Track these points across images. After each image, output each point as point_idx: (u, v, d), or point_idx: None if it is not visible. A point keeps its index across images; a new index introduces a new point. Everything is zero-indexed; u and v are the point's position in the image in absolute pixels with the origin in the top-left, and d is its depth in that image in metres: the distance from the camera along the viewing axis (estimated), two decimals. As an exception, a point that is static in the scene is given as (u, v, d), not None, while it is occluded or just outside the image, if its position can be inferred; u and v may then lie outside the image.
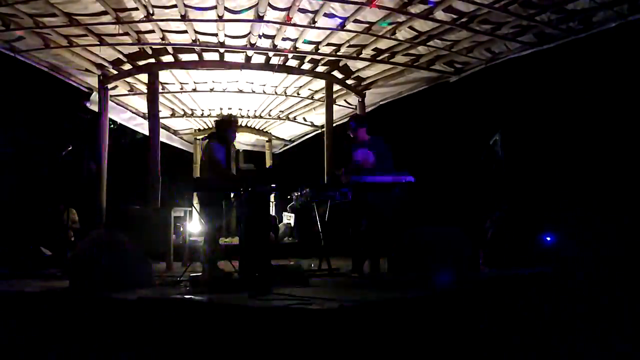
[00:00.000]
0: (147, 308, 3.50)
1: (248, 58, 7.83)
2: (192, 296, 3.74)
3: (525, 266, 5.27)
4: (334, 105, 8.92)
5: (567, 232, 6.24)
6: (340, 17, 6.62)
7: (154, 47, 7.41)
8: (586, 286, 4.54)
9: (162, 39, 7.08)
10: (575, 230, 6.40)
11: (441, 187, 8.59)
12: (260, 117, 10.49)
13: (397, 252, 4.50)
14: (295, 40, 7.26)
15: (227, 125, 5.59)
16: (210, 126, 10.92)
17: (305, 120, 10.81)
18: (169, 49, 7.43)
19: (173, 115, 10.20)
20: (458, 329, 3.45)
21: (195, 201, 6.30)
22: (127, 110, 9.76)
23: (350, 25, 6.81)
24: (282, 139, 12.20)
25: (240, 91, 9.13)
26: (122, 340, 3.39)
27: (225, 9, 6.30)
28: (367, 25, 6.86)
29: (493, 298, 3.96)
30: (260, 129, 11.19)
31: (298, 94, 9.37)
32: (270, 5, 6.25)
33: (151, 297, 3.73)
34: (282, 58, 7.91)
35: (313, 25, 6.73)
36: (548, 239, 6.06)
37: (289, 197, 10.02)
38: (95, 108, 8.52)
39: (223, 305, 3.40)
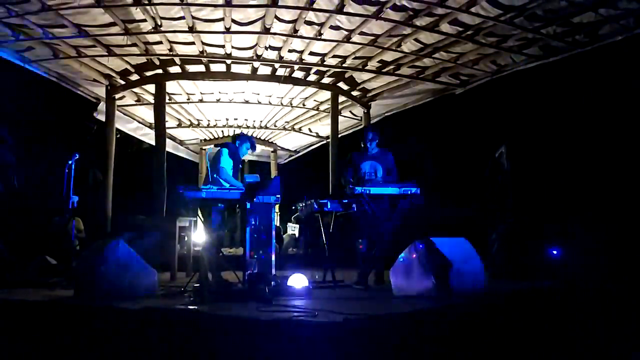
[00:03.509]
0: (151, 318, 3.49)
1: (254, 69, 7.88)
2: (196, 307, 3.73)
3: (531, 279, 5.22)
4: (339, 117, 8.95)
5: (573, 245, 6.20)
6: (347, 30, 6.66)
7: (161, 58, 7.48)
8: (592, 299, 4.50)
9: (170, 50, 7.14)
10: (581, 243, 6.36)
11: (447, 199, 8.55)
12: (266, 127, 10.54)
13: (403, 263, 4.47)
14: (302, 52, 7.31)
15: (245, 140, 5.68)
16: (216, 136, 10.98)
17: (310, 131, 10.85)
18: (177, 60, 7.50)
19: (179, 125, 10.27)
20: (464, 342, 3.42)
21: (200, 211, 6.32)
22: (133, 120, 9.83)
23: (356, 38, 6.85)
24: (288, 150, 12.24)
25: (247, 102, 9.18)
26: (125, 351, 3.37)
27: (233, 21, 6.36)
28: (373, 37, 6.90)
29: (499, 311, 3.93)
30: (266, 139, 11.23)
31: (304, 105, 9.41)
32: (277, 17, 6.30)
33: (155, 307, 3.73)
34: (288, 69, 7.96)
35: (319, 37, 6.77)
36: (554, 252, 6.02)
37: (293, 207, 10.05)
38: (102, 118, 8.59)
39: (226, 317, 3.38)
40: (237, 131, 10.57)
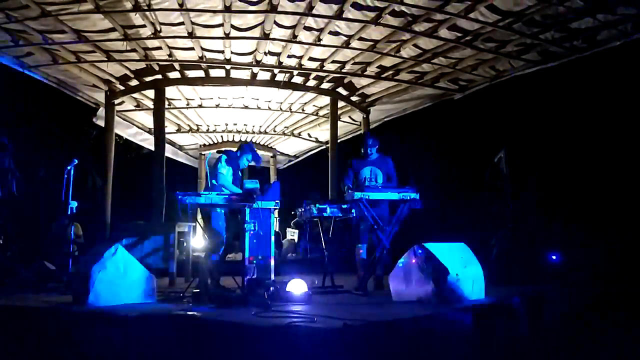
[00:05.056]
0: (149, 324, 3.47)
1: (254, 75, 7.89)
2: (195, 312, 3.72)
3: (531, 284, 5.21)
4: (339, 122, 8.96)
5: (573, 249, 6.19)
6: (346, 35, 6.68)
7: (160, 63, 7.49)
8: (592, 304, 4.49)
9: (169, 55, 7.16)
10: (581, 247, 6.35)
11: (446, 204, 8.55)
12: (265, 132, 10.54)
13: (402, 269, 4.46)
14: (301, 57, 7.32)
15: (247, 151, 5.65)
16: (216, 142, 10.98)
17: (309, 136, 10.86)
18: (176, 65, 7.51)
19: (179, 130, 10.27)
20: (463, 348, 3.41)
21: (199, 216, 6.32)
22: (133, 125, 9.84)
23: (355, 43, 6.86)
24: (287, 155, 12.25)
25: (246, 107, 9.19)
26: (124, 357, 3.36)
27: (232, 26, 6.38)
28: (372, 42, 6.91)
29: (499, 317, 3.92)
30: (265, 144, 11.23)
31: (303, 110, 9.42)
32: (276, 23, 6.32)
33: (153, 313, 3.71)
34: (288, 75, 7.97)
35: (318, 42, 6.79)
36: (553, 257, 6.01)
37: (292, 212, 10.04)
38: (101, 123, 8.59)
39: (225, 322, 3.37)
40: (238, 138, 10.59)
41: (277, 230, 9.74)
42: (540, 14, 6.03)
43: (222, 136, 10.77)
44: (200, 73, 7.82)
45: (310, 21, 6.29)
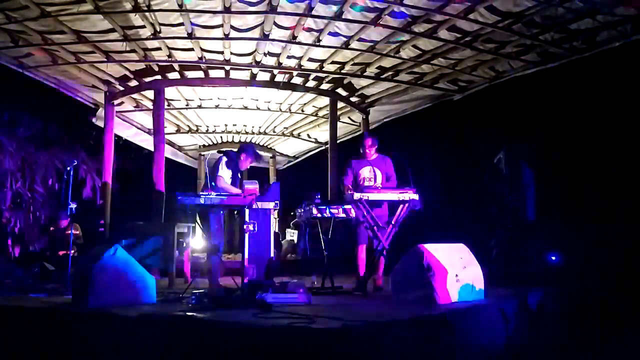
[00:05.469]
0: (148, 325, 3.47)
1: (253, 75, 7.89)
2: (194, 313, 3.72)
3: (531, 285, 5.21)
4: (338, 122, 8.96)
5: (573, 250, 6.19)
6: (345, 36, 6.68)
7: (160, 64, 7.49)
8: (591, 305, 4.49)
9: (169, 56, 7.16)
10: (581, 248, 6.35)
11: (446, 205, 8.54)
12: (265, 133, 10.55)
13: (401, 270, 4.46)
14: (300, 58, 7.33)
15: (248, 152, 5.61)
16: (215, 142, 10.98)
17: (309, 136, 10.86)
18: (175, 66, 7.51)
19: (178, 131, 10.27)
20: (463, 349, 3.41)
21: (198, 217, 6.32)
22: (132, 126, 9.83)
23: (354, 44, 6.86)
24: (286, 155, 12.25)
25: (246, 108, 9.19)
26: (124, 357, 3.36)
27: (232, 27, 6.38)
28: (371, 43, 6.92)
29: (498, 316, 3.92)
30: (265, 145, 11.24)
31: (302, 110, 9.42)
32: (275, 23, 6.32)
33: (153, 314, 3.71)
34: (287, 75, 7.97)
35: (318, 43, 6.79)
36: (553, 257, 6.01)
37: (292, 213, 10.04)
38: (101, 124, 8.59)
39: (224, 323, 3.37)
40: (238, 138, 10.59)
41: (277, 230, 9.73)
42: (539, 14, 6.03)
43: (221, 137, 10.76)
44: (199, 74, 7.82)
45: (310, 22, 6.29)
